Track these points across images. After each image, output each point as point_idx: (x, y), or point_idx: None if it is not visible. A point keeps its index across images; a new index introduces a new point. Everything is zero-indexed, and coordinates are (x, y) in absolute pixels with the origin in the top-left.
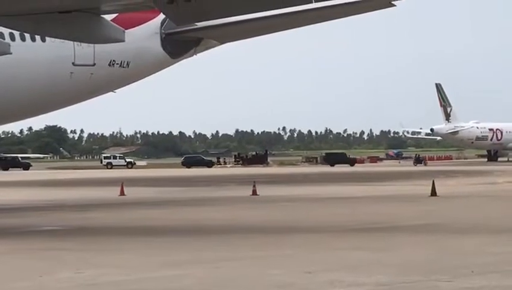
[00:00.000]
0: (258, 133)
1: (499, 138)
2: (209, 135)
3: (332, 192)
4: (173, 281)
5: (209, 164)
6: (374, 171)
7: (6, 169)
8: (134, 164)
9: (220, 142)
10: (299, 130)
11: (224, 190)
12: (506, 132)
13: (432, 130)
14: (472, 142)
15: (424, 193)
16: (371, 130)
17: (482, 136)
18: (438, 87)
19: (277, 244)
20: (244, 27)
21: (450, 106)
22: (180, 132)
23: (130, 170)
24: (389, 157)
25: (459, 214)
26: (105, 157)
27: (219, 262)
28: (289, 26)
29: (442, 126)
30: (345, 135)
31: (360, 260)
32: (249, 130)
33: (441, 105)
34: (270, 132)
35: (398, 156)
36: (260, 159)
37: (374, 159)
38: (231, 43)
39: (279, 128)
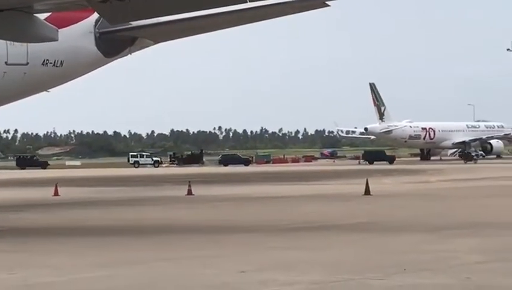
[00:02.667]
0: (193, 132)
1: (432, 137)
2: (144, 135)
3: (267, 191)
4: (105, 282)
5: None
6: (309, 170)
7: None
8: (161, 163)
9: (155, 141)
10: (235, 130)
11: (159, 190)
12: (439, 130)
13: (365, 129)
14: (405, 141)
15: (358, 191)
16: (305, 129)
17: (415, 135)
18: (372, 86)
19: (211, 244)
20: (178, 26)
21: (383, 105)
22: (115, 132)
23: (63, 170)
24: (323, 156)
25: (392, 213)
26: (132, 156)
27: (153, 262)
28: (224, 25)
29: (376, 125)
30: (280, 135)
31: (293, 259)
32: (184, 130)
33: (374, 104)
34: (206, 132)
35: (333, 155)
36: (196, 159)
37: (309, 159)
38: (166, 42)
39: (214, 128)
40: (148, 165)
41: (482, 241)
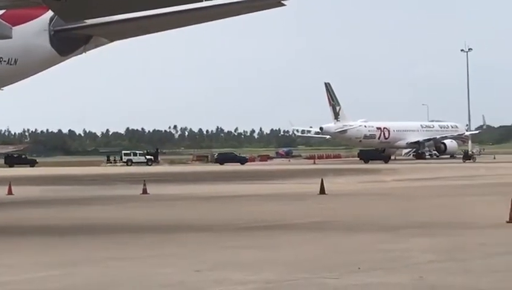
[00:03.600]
0: (149, 131)
1: (387, 136)
2: (99, 134)
3: (222, 190)
4: (61, 281)
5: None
6: (264, 169)
7: None
8: (155, 161)
9: (110, 140)
10: (190, 129)
11: (114, 189)
12: (394, 130)
13: (321, 128)
14: (360, 141)
15: (313, 191)
16: (261, 128)
17: (370, 134)
18: (327, 86)
19: (167, 243)
20: (133, 25)
21: (338, 105)
22: (69, 130)
23: (14, 168)
24: (279, 156)
25: (347, 212)
26: (125, 154)
27: (108, 261)
28: (179, 24)
29: (331, 125)
30: (236, 134)
31: (248, 258)
32: (139, 129)
33: (330, 104)
34: (161, 131)
35: (288, 155)
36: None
37: (265, 158)
38: (121, 40)
39: (170, 127)
40: (142, 163)
41: (435, 241)
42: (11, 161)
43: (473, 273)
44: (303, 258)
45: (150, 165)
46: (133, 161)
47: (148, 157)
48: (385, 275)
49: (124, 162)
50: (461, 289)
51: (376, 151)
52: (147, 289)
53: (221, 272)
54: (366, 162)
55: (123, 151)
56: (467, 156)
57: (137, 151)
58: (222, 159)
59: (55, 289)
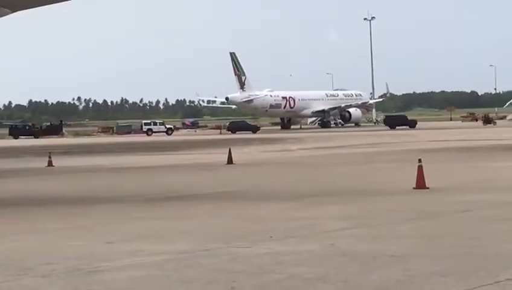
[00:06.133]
0: (52, 103)
1: (292, 105)
2: (1, 106)
3: (130, 162)
4: None
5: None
6: (170, 140)
7: None
8: (173, 130)
9: (13, 112)
10: (95, 100)
11: (18, 162)
12: (299, 99)
13: (226, 98)
14: (266, 110)
15: (220, 161)
16: (166, 99)
17: (276, 104)
18: (232, 56)
19: (75, 216)
20: None
21: (244, 74)
22: None
23: None
24: (185, 126)
25: (256, 181)
26: (145, 124)
27: (16, 235)
28: None
29: (237, 95)
30: (141, 105)
31: (159, 229)
32: (43, 101)
33: (235, 74)
34: (65, 102)
35: (194, 125)
36: (55, 130)
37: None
38: (24, 10)
39: (73, 99)
40: (161, 133)
41: (343, 208)
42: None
43: (382, 239)
44: (214, 227)
45: (170, 134)
46: (153, 130)
47: (168, 127)
48: (297, 243)
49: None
50: (372, 254)
51: (401, 117)
52: (58, 261)
53: (133, 244)
54: (392, 128)
55: (143, 121)
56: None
57: (157, 121)
58: (234, 128)
59: None
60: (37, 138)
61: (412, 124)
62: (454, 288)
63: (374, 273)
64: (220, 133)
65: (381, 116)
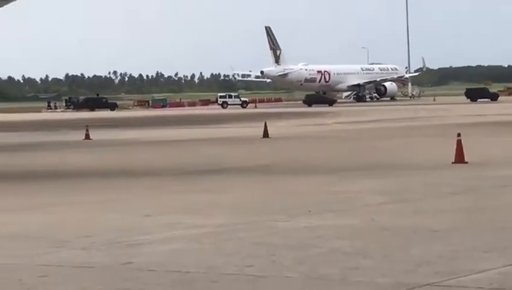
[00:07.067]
0: (88, 77)
1: (327, 79)
2: (38, 80)
3: (166, 135)
4: (6, 228)
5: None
6: (206, 114)
7: None
8: (249, 103)
9: (49, 86)
10: (130, 74)
11: (56, 135)
12: (334, 73)
13: (261, 72)
14: (301, 84)
15: (256, 134)
16: (201, 73)
17: (311, 78)
18: (268, 30)
19: (114, 189)
20: None
21: (279, 48)
22: (9, 77)
23: None
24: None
25: (292, 155)
26: (220, 97)
27: (54, 207)
28: None
29: (272, 69)
30: (176, 78)
31: (198, 203)
32: (79, 74)
33: (270, 48)
34: (101, 76)
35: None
36: (92, 104)
37: (206, 102)
38: None
39: (109, 72)
40: (236, 106)
41: (383, 182)
42: None
43: (422, 213)
44: (252, 201)
45: (245, 107)
46: (229, 103)
47: (243, 99)
48: (336, 217)
49: (68, 105)
50: (412, 229)
51: (483, 90)
52: (97, 234)
53: (172, 217)
54: (473, 100)
55: (218, 94)
56: None
57: (232, 94)
58: (310, 101)
59: (3, 235)
60: (113, 110)
61: (494, 97)
62: (498, 263)
63: (415, 248)
64: (255, 107)
65: (417, 90)
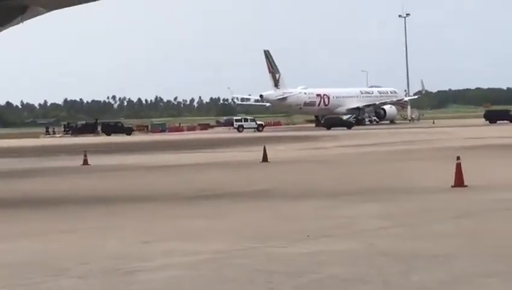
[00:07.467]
0: (87, 102)
1: (326, 103)
2: (36, 105)
3: (165, 160)
4: (5, 256)
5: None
6: (205, 138)
7: None
8: (264, 126)
9: (48, 111)
10: (129, 99)
11: (54, 160)
12: (333, 97)
13: (261, 96)
14: (300, 108)
15: (256, 158)
16: (200, 97)
17: (310, 101)
18: (267, 54)
19: (112, 215)
20: None
21: (278, 72)
22: (7, 102)
23: None
24: (219, 124)
25: (291, 179)
26: (236, 120)
27: (52, 234)
28: None
29: (271, 92)
30: (175, 103)
31: (196, 228)
32: (77, 99)
33: (269, 71)
34: (100, 101)
35: (229, 123)
36: (90, 129)
37: (205, 127)
38: (59, 9)
39: (108, 97)
40: (252, 129)
41: (382, 207)
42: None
43: (422, 238)
44: (250, 227)
45: (261, 131)
46: (244, 126)
47: (258, 123)
48: (335, 243)
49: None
50: (412, 254)
51: (503, 112)
52: (94, 261)
53: (170, 243)
54: (492, 122)
55: (234, 118)
56: None
57: (247, 117)
58: (329, 124)
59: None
60: (129, 134)
61: None
62: (499, 289)
63: (416, 274)
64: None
65: (416, 113)
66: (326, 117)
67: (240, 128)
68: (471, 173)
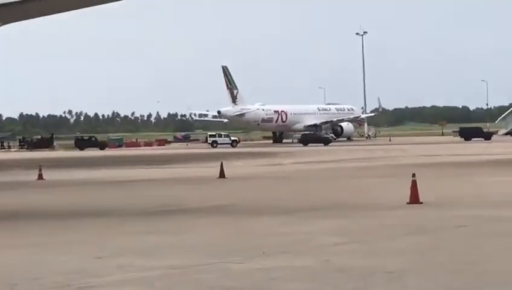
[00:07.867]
0: (43, 116)
1: (284, 119)
2: None
3: (121, 175)
4: None
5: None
6: (162, 154)
7: None
8: (239, 142)
9: (3, 125)
10: (86, 113)
11: (8, 175)
12: (291, 113)
13: (218, 112)
14: (258, 124)
15: (212, 174)
16: (158, 112)
17: (268, 118)
18: (225, 70)
19: (66, 230)
20: (29, 6)
21: (236, 88)
22: None
23: None
24: (177, 140)
25: (248, 195)
26: (210, 136)
27: (3, 249)
28: (72, 7)
29: (229, 108)
30: (133, 118)
31: (151, 244)
32: (33, 114)
33: (227, 88)
34: (56, 116)
35: (186, 139)
36: (46, 143)
37: (162, 142)
38: (16, 23)
39: (64, 112)
40: (226, 145)
41: (337, 223)
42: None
43: (378, 255)
44: (207, 243)
45: (235, 146)
46: (218, 142)
47: (232, 139)
48: (291, 259)
49: (21, 145)
50: (368, 270)
51: (477, 129)
52: (46, 277)
53: (124, 258)
54: (467, 139)
55: (208, 133)
56: None
57: (222, 133)
58: (306, 140)
59: None
60: (103, 149)
61: (488, 136)
62: None
63: None
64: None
65: (372, 130)
66: (303, 133)
67: (214, 144)
68: (427, 190)
